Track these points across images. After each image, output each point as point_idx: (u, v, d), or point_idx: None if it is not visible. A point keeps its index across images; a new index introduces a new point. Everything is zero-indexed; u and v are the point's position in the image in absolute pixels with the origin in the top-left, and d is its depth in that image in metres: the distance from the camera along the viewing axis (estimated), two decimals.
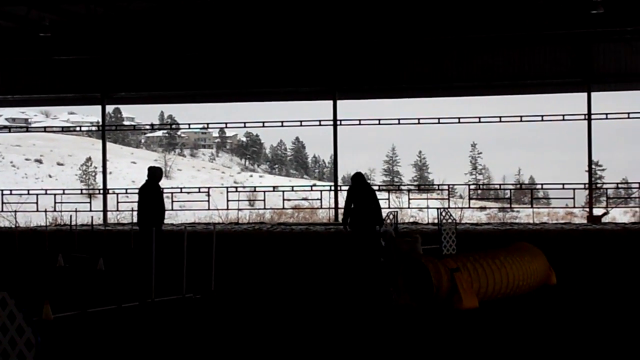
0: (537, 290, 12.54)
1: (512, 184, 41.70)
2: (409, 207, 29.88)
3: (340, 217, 18.13)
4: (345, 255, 17.61)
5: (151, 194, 17.07)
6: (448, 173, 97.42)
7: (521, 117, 28.64)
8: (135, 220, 17.84)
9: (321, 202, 29.46)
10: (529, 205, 30.80)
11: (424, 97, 30.11)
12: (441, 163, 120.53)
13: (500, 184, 36.40)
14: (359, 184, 17.84)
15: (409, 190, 31.47)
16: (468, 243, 19.12)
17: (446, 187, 30.54)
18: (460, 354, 8.60)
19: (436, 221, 21.72)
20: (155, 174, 17.46)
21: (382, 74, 27.80)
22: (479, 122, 28.79)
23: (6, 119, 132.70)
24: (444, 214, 18.04)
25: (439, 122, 29.11)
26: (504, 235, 22.77)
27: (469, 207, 30.28)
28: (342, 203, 28.75)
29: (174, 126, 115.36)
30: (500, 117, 28.72)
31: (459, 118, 28.76)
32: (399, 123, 29.08)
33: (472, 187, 30.68)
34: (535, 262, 12.59)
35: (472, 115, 28.65)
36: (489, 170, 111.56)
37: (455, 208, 29.31)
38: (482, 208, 42.82)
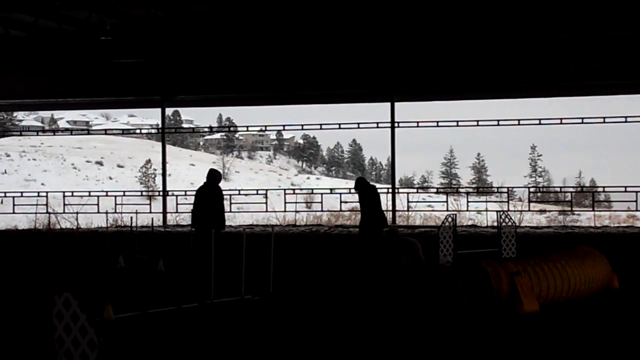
0: (599, 294, 12.33)
1: (573, 187, 41.18)
2: (467, 210, 29.58)
3: (371, 219, 18.25)
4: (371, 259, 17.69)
5: (209, 196, 17.20)
6: (507, 175, 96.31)
7: (582, 119, 28.24)
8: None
9: None
10: (590, 208, 30.34)
11: (483, 98, 29.85)
12: (500, 165, 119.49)
13: (560, 187, 35.96)
14: (369, 188, 18.31)
15: (467, 193, 31.21)
16: (528, 246, 18.88)
17: (505, 189, 30.25)
18: (520, 358, 8.49)
19: (495, 224, 21.50)
20: (214, 176, 17.61)
21: (441, 75, 27.61)
22: (539, 124, 28.43)
23: (67, 122, 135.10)
24: (503, 216, 17.85)
25: (498, 124, 28.81)
26: (564, 238, 22.45)
27: (529, 210, 29.95)
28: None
29: (232, 128, 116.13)
30: (561, 119, 28.35)
31: (518, 120, 28.46)
32: (457, 125, 28.84)
33: (532, 189, 30.32)
34: (597, 266, 12.38)
35: (532, 117, 28.31)
36: (549, 172, 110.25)
37: (514, 211, 28.97)
38: (542, 211, 42.32)
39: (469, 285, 11.43)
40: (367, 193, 18.33)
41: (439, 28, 26.91)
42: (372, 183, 19.71)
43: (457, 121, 28.76)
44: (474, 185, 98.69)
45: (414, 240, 18.06)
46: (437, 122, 28.90)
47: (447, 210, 26.58)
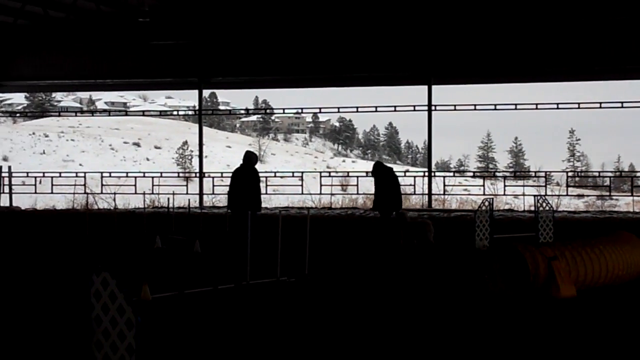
0: (638, 280, 12.21)
1: (612, 172, 40.71)
2: (504, 194, 29.35)
3: (402, 203, 18.34)
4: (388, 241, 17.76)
5: (245, 178, 17.25)
6: (545, 160, 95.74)
7: (622, 102, 27.86)
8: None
9: (414, 188, 29.21)
10: (629, 194, 29.91)
11: (522, 82, 29.56)
12: (538, 150, 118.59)
13: (599, 172, 35.58)
14: (387, 172, 18.33)
15: (504, 177, 30.88)
16: (565, 231, 18.74)
17: (543, 174, 29.94)
18: (556, 342, 8.44)
19: (532, 209, 21.34)
20: (250, 158, 17.65)
21: (479, 58, 27.37)
22: (579, 107, 28.10)
23: (105, 103, 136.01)
24: (540, 201, 17.74)
25: (536, 108, 28.50)
26: (602, 223, 22.23)
27: (567, 195, 29.64)
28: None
29: (268, 111, 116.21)
30: (600, 102, 27.99)
31: (557, 104, 28.12)
32: (495, 108, 28.58)
33: (569, 174, 29.96)
34: (636, 251, 12.26)
35: (571, 101, 27.98)
36: (587, 157, 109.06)
37: (552, 195, 28.72)
38: (580, 196, 41.91)
39: (506, 269, 11.38)
40: (384, 177, 18.36)
41: (477, 10, 26.67)
42: (389, 165, 19.70)
43: (495, 105, 28.51)
44: (511, 170, 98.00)
45: (426, 222, 18.14)
46: (475, 105, 28.67)
47: (484, 195, 26.41)
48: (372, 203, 19.05)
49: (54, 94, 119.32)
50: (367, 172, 30.73)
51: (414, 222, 18.34)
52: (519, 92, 40.07)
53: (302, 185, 28.87)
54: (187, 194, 28.89)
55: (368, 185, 29.94)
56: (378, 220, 18.47)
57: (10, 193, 30.42)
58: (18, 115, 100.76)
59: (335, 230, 20.77)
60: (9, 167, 31.92)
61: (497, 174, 39.98)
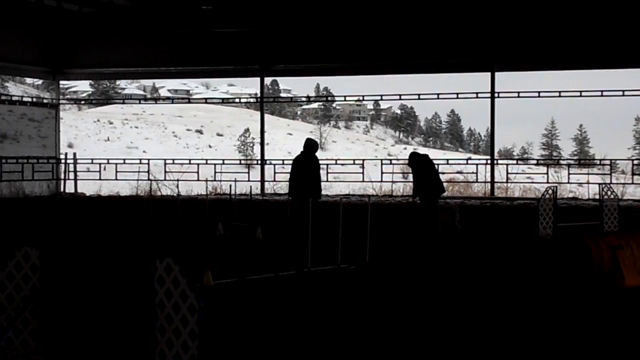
0: None
1: None
2: (568, 182, 28.90)
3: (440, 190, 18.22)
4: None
5: (305, 166, 17.26)
6: (610, 147, 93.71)
7: None
8: None
9: (477, 176, 28.98)
10: None
11: (586, 68, 29.02)
12: (603, 137, 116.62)
13: None
14: (423, 160, 18.35)
15: (568, 165, 30.43)
16: (631, 220, 18.38)
17: (608, 162, 29.42)
18: (621, 332, 8.30)
19: (597, 197, 20.99)
20: (311, 146, 17.65)
21: (542, 45, 26.96)
22: None
23: (169, 90, 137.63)
24: (605, 189, 17.43)
25: (602, 95, 28.03)
26: None
27: (632, 183, 29.07)
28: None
29: (329, 98, 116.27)
30: None
31: (623, 91, 27.60)
32: (559, 95, 28.20)
33: (635, 162, 29.37)
34: None
35: (637, 87, 27.42)
36: None
37: (617, 184, 28.20)
38: None
39: (570, 258, 11.21)
40: (421, 165, 18.24)
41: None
42: (423, 153, 19.61)
43: (559, 92, 28.10)
44: (575, 157, 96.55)
45: (452, 207, 18.11)
46: (539, 92, 28.29)
47: (547, 183, 26.05)
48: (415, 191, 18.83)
49: (117, 82, 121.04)
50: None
51: (441, 208, 18.39)
52: (583, 78, 39.38)
53: (363, 173, 28.81)
54: (248, 181, 29.07)
55: None
56: (420, 207, 18.37)
57: (75, 179, 30.95)
58: (83, 102, 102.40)
59: (396, 218, 20.69)
60: (74, 154, 32.47)
61: (561, 161, 39.47)
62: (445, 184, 32.48)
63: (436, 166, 18.97)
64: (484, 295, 10.47)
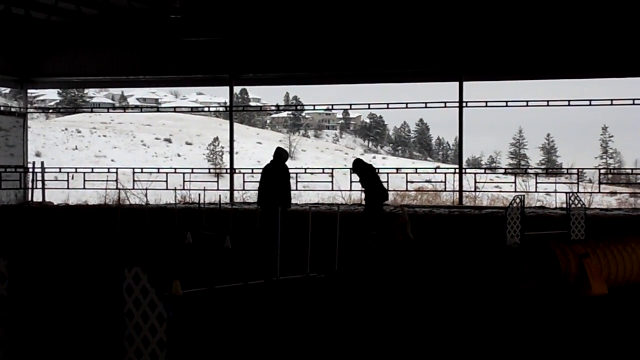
0: None
1: None
2: (536, 191, 29.13)
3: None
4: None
5: (275, 174, 17.30)
6: (577, 157, 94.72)
7: None
8: None
9: (445, 185, 29.14)
10: None
11: (554, 78, 29.29)
12: (570, 146, 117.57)
13: (632, 169, 35.20)
14: (368, 168, 18.45)
15: (536, 174, 30.68)
16: (597, 229, 18.58)
17: (575, 171, 29.72)
18: (588, 340, 8.39)
19: (564, 206, 21.19)
20: (280, 155, 17.71)
21: (510, 54, 27.20)
22: (611, 104, 27.87)
23: (137, 99, 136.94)
24: (572, 198, 17.61)
25: (568, 105, 28.32)
26: (635, 221, 22.03)
27: (599, 192, 29.40)
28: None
29: (298, 107, 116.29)
30: (633, 99, 27.71)
31: (590, 100, 27.93)
32: (526, 105, 28.44)
33: (602, 171, 29.72)
34: None
35: (603, 97, 27.80)
36: (620, 154, 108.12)
37: (584, 192, 28.51)
38: (613, 193, 41.57)
39: (537, 267, 11.32)
40: (366, 173, 18.38)
41: (508, 6, 26.50)
42: (369, 162, 19.68)
43: (527, 101, 28.36)
44: (543, 166, 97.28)
45: (403, 216, 18.18)
46: (506, 101, 28.53)
47: (515, 192, 26.25)
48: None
49: (86, 90, 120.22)
50: (397, 169, 30.70)
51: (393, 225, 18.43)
52: (551, 88, 39.78)
53: (332, 182, 28.87)
54: (217, 189, 29.03)
55: (399, 182, 29.91)
56: (362, 214, 18.46)
57: (43, 188, 30.73)
58: (51, 111, 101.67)
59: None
60: (42, 163, 32.25)
61: (529, 170, 39.78)
62: (414, 193, 32.75)
63: (378, 173, 19.09)
64: (451, 304, 10.54)
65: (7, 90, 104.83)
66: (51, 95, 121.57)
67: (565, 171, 41.48)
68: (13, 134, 30.67)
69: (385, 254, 15.99)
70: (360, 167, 18.48)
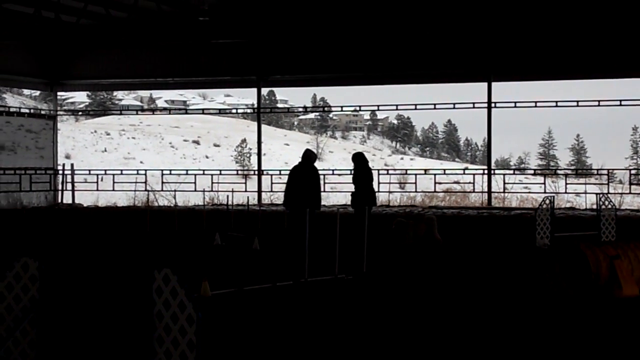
0: None
1: None
2: (565, 192, 28.91)
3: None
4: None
5: (303, 176, 17.30)
6: (607, 157, 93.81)
7: None
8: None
9: (474, 186, 28.98)
10: None
11: (583, 78, 29.06)
12: (600, 147, 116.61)
13: None
14: (366, 164, 18.44)
15: (565, 175, 30.47)
16: (628, 230, 18.42)
17: (605, 171, 29.45)
18: (618, 342, 8.31)
19: (594, 207, 21.02)
20: (309, 157, 17.73)
21: (540, 54, 27.00)
22: None
23: (166, 101, 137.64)
24: (603, 199, 17.47)
25: (598, 105, 28.09)
26: None
27: (630, 193, 29.14)
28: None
29: (326, 109, 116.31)
30: None
31: (620, 100, 27.68)
32: (556, 105, 28.22)
33: (633, 172, 29.46)
34: None
35: (634, 97, 27.50)
36: None
37: (614, 193, 28.23)
38: None
39: (567, 268, 11.23)
40: (363, 168, 18.30)
41: (538, 6, 26.34)
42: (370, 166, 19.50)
43: (556, 101, 28.15)
44: (572, 167, 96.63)
45: (432, 217, 18.06)
46: (535, 102, 28.34)
47: (545, 193, 26.05)
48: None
49: (115, 93, 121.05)
50: (425, 170, 30.61)
51: (419, 218, 18.33)
52: (580, 88, 39.46)
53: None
54: (245, 191, 29.08)
55: (427, 184, 29.84)
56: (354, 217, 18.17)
57: (73, 190, 30.93)
58: (80, 113, 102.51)
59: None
60: (72, 165, 32.47)
61: (559, 171, 39.54)
62: (442, 194, 32.62)
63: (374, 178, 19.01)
64: (481, 305, 10.48)
65: (37, 92, 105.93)
66: (80, 97, 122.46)
67: (595, 172, 41.11)
68: (43, 136, 30.92)
69: (414, 256, 15.94)
70: (359, 160, 18.44)
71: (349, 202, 19.68)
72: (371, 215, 17.26)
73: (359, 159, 18.48)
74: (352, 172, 18.72)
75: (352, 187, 18.76)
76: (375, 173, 29.72)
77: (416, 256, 15.92)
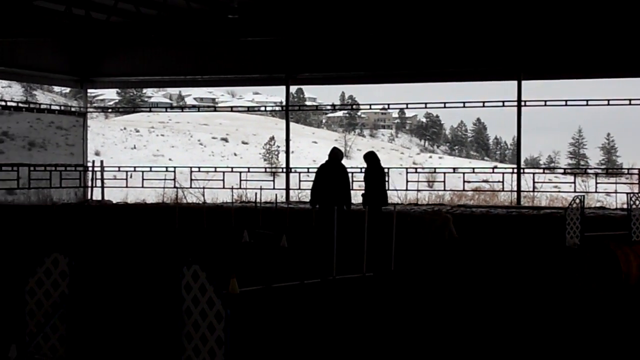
0: None
1: None
2: (595, 192, 28.68)
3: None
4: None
5: (332, 174, 17.29)
6: (638, 157, 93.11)
7: None
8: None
9: (503, 185, 28.82)
10: None
11: (614, 77, 28.81)
12: (631, 146, 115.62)
13: None
14: (378, 163, 18.20)
15: (596, 174, 30.19)
16: None
17: (636, 171, 29.18)
18: None
19: (625, 206, 20.83)
20: (337, 155, 17.71)
21: (570, 53, 26.79)
22: None
23: (194, 99, 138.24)
24: (633, 199, 17.31)
25: (629, 104, 27.80)
26: None
27: None
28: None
29: (354, 106, 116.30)
30: None
31: None
32: (586, 104, 28.02)
33: None
34: None
35: None
36: None
37: None
38: None
39: (597, 268, 11.14)
40: (374, 167, 18.16)
41: (567, 3, 26.14)
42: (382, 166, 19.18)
43: (587, 100, 27.94)
44: (603, 166, 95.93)
45: (448, 216, 17.95)
46: (566, 101, 28.14)
47: (575, 192, 25.87)
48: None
49: (144, 90, 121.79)
50: (453, 168, 30.50)
51: (434, 216, 18.22)
52: (611, 87, 39.07)
53: (388, 181, 28.76)
54: (273, 188, 29.12)
55: (456, 182, 29.71)
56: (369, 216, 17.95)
57: (103, 187, 31.15)
58: (110, 110, 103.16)
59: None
60: (101, 162, 32.70)
61: (589, 170, 39.20)
62: (471, 193, 32.46)
63: (386, 177, 18.80)
64: (510, 304, 10.42)
65: (68, 90, 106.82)
66: (110, 95, 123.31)
67: (625, 171, 40.76)
68: (73, 133, 31.16)
69: (441, 254, 15.89)
70: (371, 159, 18.35)
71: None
72: (383, 215, 17.25)
73: (371, 158, 18.38)
74: (364, 171, 18.63)
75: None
76: (403, 171, 29.77)
77: (441, 254, 15.86)
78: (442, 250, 16.55)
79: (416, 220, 18.23)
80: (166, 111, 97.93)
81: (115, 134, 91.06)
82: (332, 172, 17.34)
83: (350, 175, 19.11)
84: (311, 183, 17.88)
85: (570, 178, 29.19)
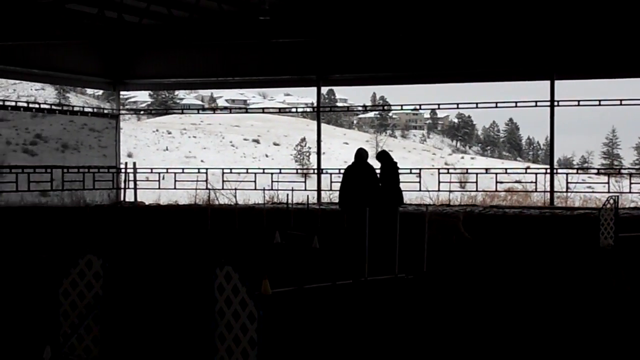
0: None
1: None
2: (630, 192, 28.41)
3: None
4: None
5: (360, 175, 17.26)
6: None
7: None
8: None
9: (536, 185, 28.61)
10: None
11: None
12: None
13: None
14: (392, 163, 17.96)
15: (630, 174, 29.88)
16: None
17: None
18: None
19: None
20: (361, 155, 17.67)
21: (603, 53, 26.56)
22: None
23: (226, 100, 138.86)
24: None
25: None
26: None
27: None
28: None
29: (385, 107, 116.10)
30: None
31: None
32: (620, 104, 27.76)
33: None
34: None
35: None
36: None
37: None
38: None
39: (632, 269, 11.04)
40: (389, 167, 17.94)
41: (600, 3, 25.90)
42: (395, 161, 18.84)
43: (620, 100, 27.68)
44: (637, 166, 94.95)
45: (458, 215, 17.80)
46: (599, 100, 27.89)
47: (609, 192, 25.63)
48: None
49: (176, 92, 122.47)
50: (486, 169, 30.34)
51: (444, 216, 18.08)
52: None
53: (419, 182, 28.67)
54: (305, 190, 29.12)
55: (488, 183, 29.55)
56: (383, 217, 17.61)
57: (135, 188, 31.34)
58: (142, 112, 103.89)
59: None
60: (134, 163, 32.91)
61: (623, 171, 38.84)
62: (503, 194, 32.27)
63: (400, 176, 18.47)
64: (544, 306, 10.34)
65: (100, 92, 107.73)
66: (142, 97, 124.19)
67: None
68: (106, 135, 31.40)
69: (473, 256, 15.81)
70: (385, 159, 18.16)
71: (409, 202, 19.47)
72: (400, 215, 17.15)
73: (385, 158, 18.21)
74: (379, 174, 18.42)
75: (411, 186, 18.58)
76: (435, 172, 29.66)
77: (472, 256, 15.78)
78: (469, 251, 16.46)
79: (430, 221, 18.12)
80: (198, 113, 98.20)
81: (147, 135, 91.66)
82: (359, 172, 17.32)
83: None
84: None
85: (604, 178, 28.92)
